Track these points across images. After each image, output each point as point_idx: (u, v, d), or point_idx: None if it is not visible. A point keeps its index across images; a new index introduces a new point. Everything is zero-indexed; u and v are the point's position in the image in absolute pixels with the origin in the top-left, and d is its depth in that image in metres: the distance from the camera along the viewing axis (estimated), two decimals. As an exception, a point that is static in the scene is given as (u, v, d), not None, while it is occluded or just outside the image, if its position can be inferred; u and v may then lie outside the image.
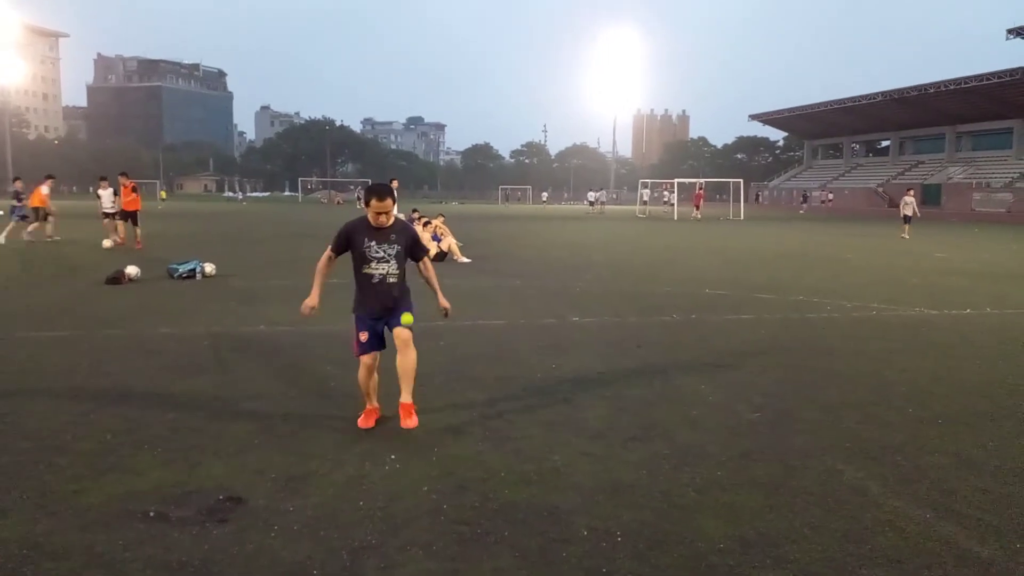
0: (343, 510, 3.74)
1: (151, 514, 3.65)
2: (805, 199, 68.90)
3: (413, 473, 4.23)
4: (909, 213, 26.92)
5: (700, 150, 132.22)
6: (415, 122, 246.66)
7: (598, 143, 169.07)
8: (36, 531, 3.46)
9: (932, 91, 65.69)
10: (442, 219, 17.93)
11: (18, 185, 21.68)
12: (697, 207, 45.50)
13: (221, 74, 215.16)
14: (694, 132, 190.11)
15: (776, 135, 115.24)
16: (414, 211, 19.59)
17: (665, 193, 61.75)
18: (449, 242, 16.78)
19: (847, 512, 3.79)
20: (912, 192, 28.18)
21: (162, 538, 3.41)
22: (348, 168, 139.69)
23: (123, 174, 20.02)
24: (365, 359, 4.97)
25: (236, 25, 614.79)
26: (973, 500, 3.97)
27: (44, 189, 20.60)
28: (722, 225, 37.19)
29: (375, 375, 5.05)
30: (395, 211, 5.15)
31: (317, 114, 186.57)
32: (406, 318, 4.94)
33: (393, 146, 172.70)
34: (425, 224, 16.94)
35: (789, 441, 4.87)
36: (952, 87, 63.33)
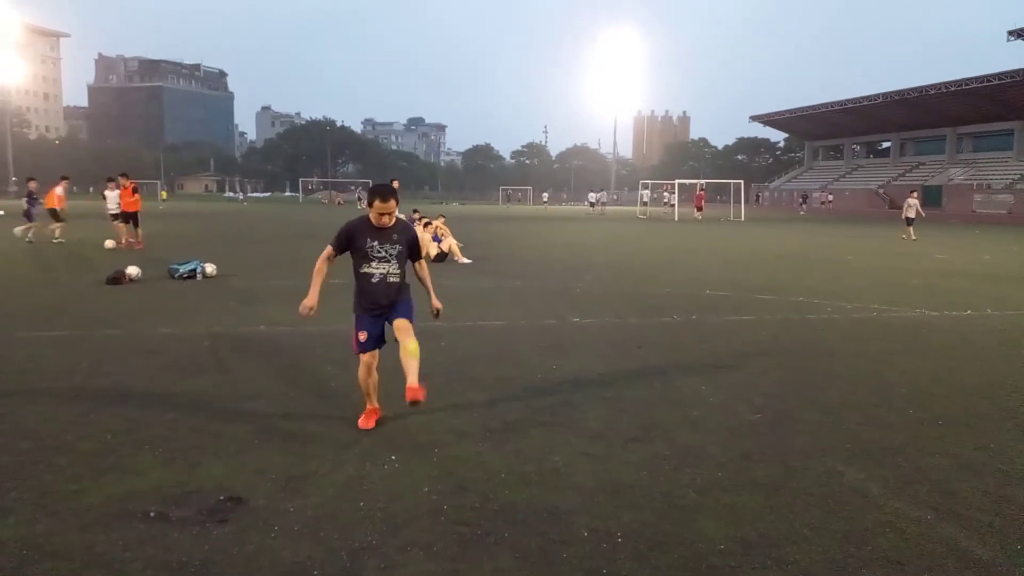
0: (343, 510, 3.74)
1: (151, 514, 3.64)
2: (804, 200, 68.89)
3: (413, 473, 4.23)
4: (912, 215, 26.69)
5: (701, 151, 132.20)
6: (416, 123, 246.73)
7: (599, 144, 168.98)
8: (36, 531, 3.46)
9: (933, 92, 65.67)
10: (443, 220, 17.94)
11: (32, 186, 21.73)
12: (699, 208, 45.52)
13: (222, 74, 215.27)
14: (695, 133, 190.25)
15: (777, 136, 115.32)
16: (415, 211, 19.59)
17: (665, 194, 61.75)
18: (450, 243, 16.78)
19: (848, 513, 3.79)
20: (915, 194, 27.91)
21: (162, 538, 3.41)
22: (349, 169, 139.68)
23: (123, 175, 20.01)
24: (365, 357, 4.97)
25: (237, 25, 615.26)
26: (974, 501, 3.96)
27: (59, 190, 20.66)
28: (723, 226, 37.19)
29: (375, 374, 5.05)
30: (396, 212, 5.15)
31: (318, 114, 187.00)
32: (413, 346, 4.78)
33: (394, 147, 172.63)
34: (426, 225, 16.94)
35: (790, 442, 4.87)
36: (953, 88, 63.31)
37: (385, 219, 4.85)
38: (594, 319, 9.43)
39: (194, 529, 3.50)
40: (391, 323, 4.93)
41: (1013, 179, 60.85)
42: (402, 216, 5.24)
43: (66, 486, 3.97)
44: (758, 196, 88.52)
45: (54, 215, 20.42)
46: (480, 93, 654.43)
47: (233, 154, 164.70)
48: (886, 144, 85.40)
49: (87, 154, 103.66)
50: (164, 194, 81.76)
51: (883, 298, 11.55)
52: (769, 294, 11.85)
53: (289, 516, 3.66)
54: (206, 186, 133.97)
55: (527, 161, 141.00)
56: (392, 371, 5.38)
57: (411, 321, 4.92)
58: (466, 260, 16.41)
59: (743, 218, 45.41)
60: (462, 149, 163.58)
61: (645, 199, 56.84)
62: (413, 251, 5.08)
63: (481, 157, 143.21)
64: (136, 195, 19.25)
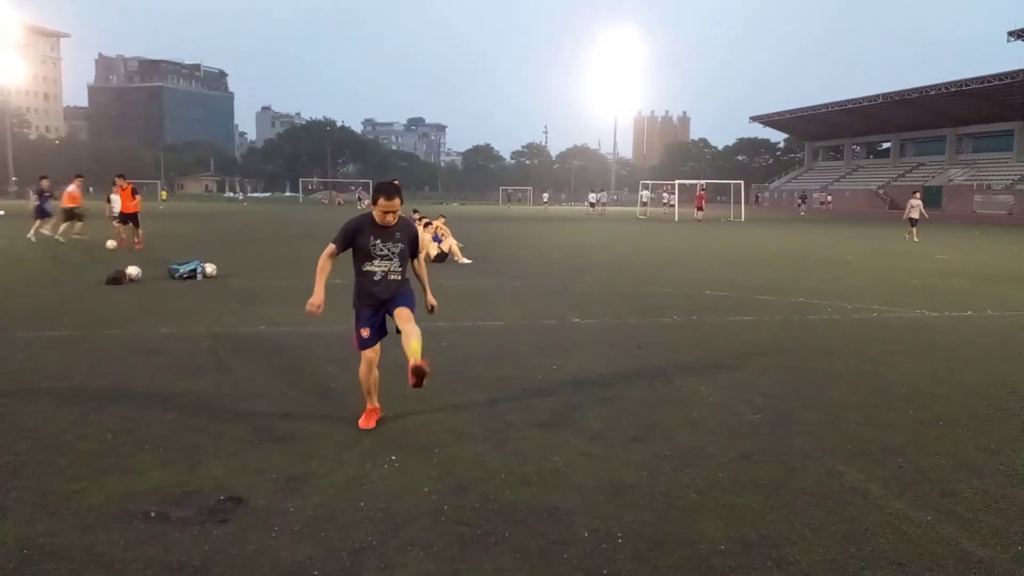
0: (343, 510, 3.74)
1: (151, 514, 3.64)
2: (804, 200, 68.91)
3: (413, 474, 4.22)
4: (916, 216, 26.52)
5: (701, 151, 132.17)
6: (416, 123, 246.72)
7: (599, 144, 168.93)
8: (36, 531, 3.46)
9: (933, 93, 65.65)
10: (443, 220, 17.94)
11: (45, 184, 21.76)
12: (699, 208, 45.53)
13: (222, 74, 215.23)
14: (695, 133, 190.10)
15: (777, 137, 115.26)
16: (415, 211, 19.59)
17: (664, 195, 61.74)
18: (450, 243, 16.78)
19: (848, 514, 3.79)
20: (919, 194, 27.71)
21: (162, 538, 3.40)
22: (349, 169, 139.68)
23: (119, 176, 19.92)
24: (367, 353, 4.97)
25: (237, 26, 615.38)
26: (975, 502, 3.96)
27: (72, 189, 20.64)
28: (723, 227, 37.20)
29: (375, 371, 5.04)
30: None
31: (318, 115, 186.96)
32: (416, 345, 4.66)
33: (394, 147, 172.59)
34: (426, 225, 16.93)
35: (790, 442, 4.87)
36: (953, 89, 63.28)
37: (389, 217, 4.86)
38: (594, 319, 9.43)
39: (194, 529, 3.50)
40: (391, 314, 4.91)
41: (1013, 180, 60.84)
42: (403, 215, 5.23)
43: (66, 486, 3.97)
44: (757, 197, 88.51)
45: (70, 214, 20.42)
46: (480, 93, 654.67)
47: (233, 154, 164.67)
48: (886, 145, 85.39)
49: (87, 154, 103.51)
50: (164, 194, 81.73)
51: (883, 298, 11.55)
52: (769, 294, 11.85)
53: (289, 516, 3.66)
54: (206, 186, 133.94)
55: (527, 161, 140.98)
56: (392, 371, 5.39)
57: (412, 310, 4.89)
58: (466, 260, 16.41)
59: (743, 218, 45.41)
60: (462, 149, 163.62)
61: (645, 199, 56.84)
62: (414, 249, 5.10)
63: (481, 157, 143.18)
64: (136, 197, 19.19)
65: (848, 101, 76.07)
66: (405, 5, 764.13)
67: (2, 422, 5.00)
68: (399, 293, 4.96)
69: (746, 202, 53.78)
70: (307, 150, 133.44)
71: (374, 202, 4.87)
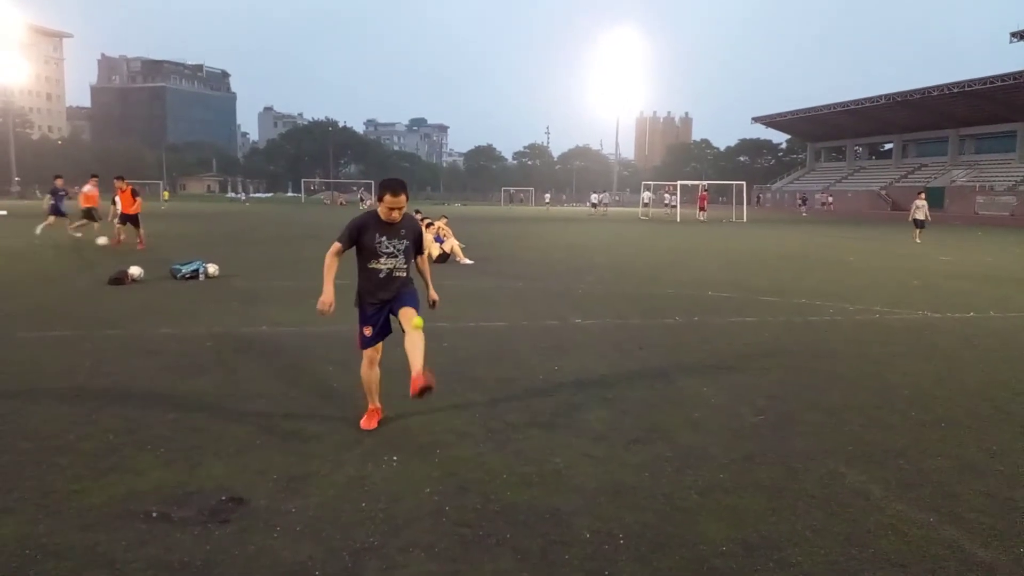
0: (344, 511, 3.74)
1: (153, 514, 3.64)
2: (804, 201, 68.90)
3: (414, 474, 4.22)
4: (921, 217, 26.34)
5: (703, 152, 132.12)
6: (418, 123, 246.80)
7: (601, 145, 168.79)
8: (38, 531, 3.46)
9: (935, 94, 65.59)
10: (445, 220, 17.94)
11: (59, 183, 21.79)
12: (702, 209, 45.54)
13: (224, 75, 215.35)
14: (697, 134, 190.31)
15: (779, 137, 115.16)
16: (416, 212, 19.58)
17: (666, 195, 61.74)
18: (452, 243, 16.78)
19: (850, 515, 3.78)
20: (924, 195, 27.52)
21: (164, 538, 3.41)
22: (351, 169, 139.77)
23: (118, 177, 19.81)
24: (368, 352, 4.98)
25: (240, 26, 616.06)
26: (976, 504, 3.96)
27: (88, 189, 20.71)
28: (724, 227, 37.18)
29: (377, 370, 5.04)
30: None
31: (320, 115, 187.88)
32: (417, 321, 4.80)
33: (396, 147, 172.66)
34: (428, 225, 16.94)
35: (791, 444, 4.86)
36: (956, 90, 63.22)
37: (395, 214, 4.85)
38: (596, 320, 9.42)
39: (195, 529, 3.50)
40: (395, 313, 4.92)
41: (1016, 181, 60.75)
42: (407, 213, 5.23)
43: (68, 486, 3.97)
44: (758, 198, 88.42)
45: (89, 215, 20.48)
46: (482, 94, 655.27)
47: (235, 154, 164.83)
48: (888, 145, 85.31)
49: (90, 154, 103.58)
50: (166, 194, 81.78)
51: (885, 300, 11.53)
52: (771, 295, 11.84)
53: (290, 516, 3.66)
54: (208, 186, 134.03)
55: (529, 162, 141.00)
56: (394, 372, 5.38)
57: (416, 310, 4.88)
58: (468, 261, 16.41)
59: (745, 219, 45.38)
60: (464, 150, 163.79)
61: (647, 200, 56.82)
62: (418, 245, 5.11)
63: (483, 158, 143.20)
64: (136, 199, 19.09)
65: (850, 102, 76.04)
66: (407, 6, 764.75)
67: (4, 422, 5.01)
68: (403, 292, 4.96)
69: (747, 203, 53.71)
70: (309, 150, 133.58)
71: (380, 198, 4.86)
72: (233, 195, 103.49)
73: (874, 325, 9.45)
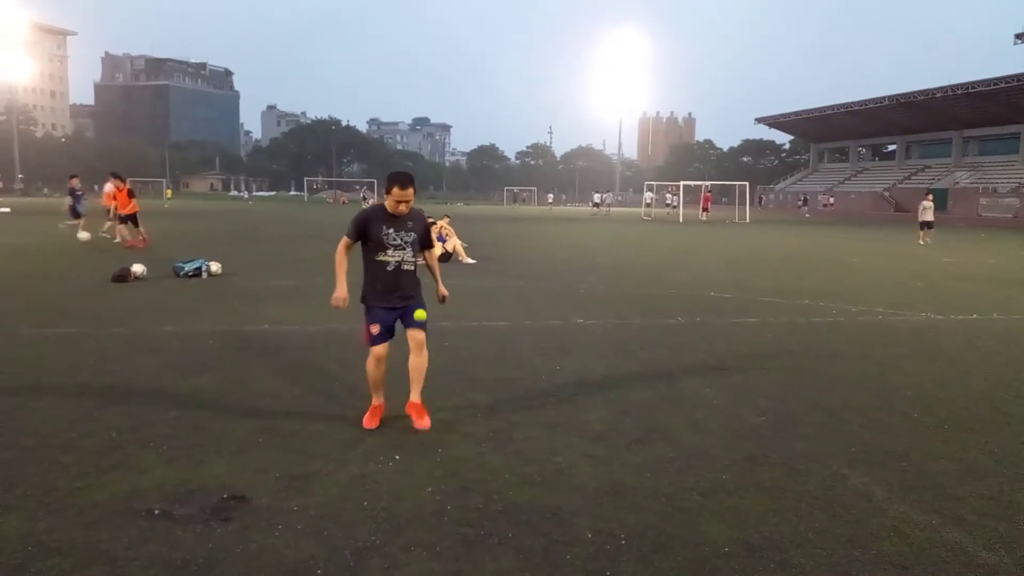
0: (346, 510, 3.74)
1: (155, 512, 3.65)
2: (805, 202, 68.79)
3: (416, 473, 4.22)
4: (929, 218, 26.20)
5: (706, 153, 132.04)
6: (421, 123, 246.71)
7: (603, 145, 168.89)
8: (40, 528, 3.47)
9: (939, 95, 65.43)
10: (447, 220, 17.94)
11: (75, 183, 21.83)
12: (705, 209, 45.51)
13: (228, 73, 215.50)
14: (700, 135, 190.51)
15: (782, 138, 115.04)
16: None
17: (668, 195, 61.69)
18: (454, 243, 16.78)
19: (852, 517, 3.78)
20: (931, 196, 27.35)
21: (166, 536, 3.41)
22: (354, 168, 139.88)
23: (117, 176, 19.77)
24: (376, 350, 4.94)
25: (243, 25, 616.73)
26: (979, 507, 3.95)
27: (109, 187, 20.77)
28: (727, 228, 37.15)
29: (383, 366, 5.01)
30: None
31: (323, 114, 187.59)
32: (419, 314, 4.96)
33: (399, 146, 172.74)
34: (431, 224, 16.92)
35: (793, 445, 4.86)
36: (959, 91, 63.06)
37: (402, 207, 4.86)
38: (598, 320, 9.42)
39: (198, 527, 3.50)
40: (406, 326, 4.96)
41: (1019, 183, 60.61)
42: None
43: (70, 483, 3.98)
44: (760, 199, 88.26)
45: (113, 213, 20.56)
46: (485, 94, 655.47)
47: (238, 153, 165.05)
48: (892, 147, 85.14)
49: (93, 152, 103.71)
50: (169, 192, 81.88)
51: (888, 301, 11.52)
52: (773, 296, 11.83)
53: (292, 515, 3.66)
54: (211, 185, 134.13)
55: (532, 162, 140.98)
56: (395, 372, 5.38)
57: (424, 329, 5.00)
58: (470, 260, 16.41)
59: (748, 220, 45.35)
60: (467, 149, 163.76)
61: (649, 200, 56.79)
62: (425, 239, 5.12)
63: (486, 157, 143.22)
64: (132, 199, 19.01)
65: (854, 103, 75.89)
66: (411, 5, 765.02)
67: (7, 419, 5.02)
68: (413, 303, 4.96)
69: (749, 204, 53.65)
70: (312, 149, 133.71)
71: (387, 191, 4.87)
72: (236, 193, 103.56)
73: (876, 326, 9.43)
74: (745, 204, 48.63)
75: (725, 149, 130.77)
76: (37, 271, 13.54)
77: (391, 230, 4.87)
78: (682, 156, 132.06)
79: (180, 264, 12.85)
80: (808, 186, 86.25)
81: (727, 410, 5.60)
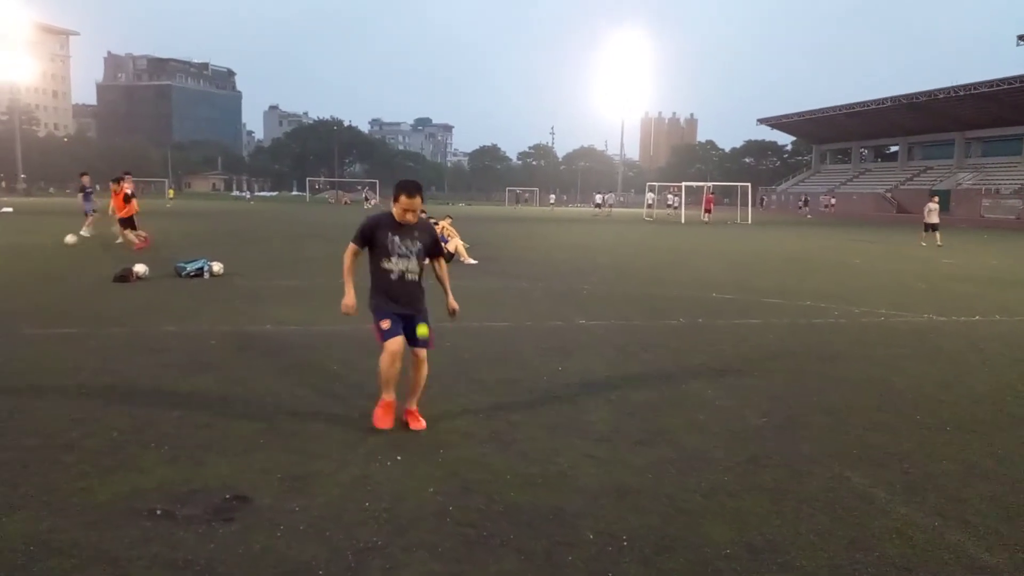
0: (348, 510, 3.74)
1: (157, 512, 3.65)
2: (806, 203, 68.73)
3: (418, 474, 4.22)
4: (935, 220, 26.24)
5: (708, 154, 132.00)
6: (423, 123, 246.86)
7: (606, 145, 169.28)
8: (42, 528, 3.47)
9: (941, 96, 65.36)
10: (449, 220, 17.94)
11: (86, 180, 21.88)
12: (707, 210, 45.48)
13: (230, 73, 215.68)
14: (702, 135, 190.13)
15: (784, 139, 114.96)
16: (422, 212, 19.59)
17: (669, 196, 61.64)
18: (456, 243, 16.78)
19: (854, 519, 3.77)
20: (937, 199, 27.30)
21: (168, 536, 3.41)
22: (356, 168, 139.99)
23: (114, 180, 19.57)
24: (391, 345, 4.84)
25: (245, 26, 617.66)
26: (982, 508, 3.94)
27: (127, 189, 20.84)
28: (729, 229, 37.13)
29: (399, 363, 4.88)
30: None
31: (325, 114, 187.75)
32: (422, 331, 4.95)
33: (401, 147, 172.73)
34: (432, 225, 16.93)
35: (796, 447, 4.85)
36: (962, 92, 62.99)
37: (409, 216, 4.87)
38: (600, 321, 9.41)
39: (200, 528, 3.50)
40: (409, 343, 4.94)
41: (1022, 184, 60.54)
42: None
43: (72, 483, 3.98)
44: (762, 199, 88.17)
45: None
46: (487, 94, 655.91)
47: (241, 153, 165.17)
48: (894, 148, 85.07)
49: (95, 152, 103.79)
50: (171, 192, 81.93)
51: (890, 302, 11.50)
52: (776, 297, 11.82)
53: (294, 516, 3.66)
54: (213, 185, 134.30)
55: (534, 162, 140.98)
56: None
57: (427, 324, 5.01)
58: (472, 261, 16.41)
59: (750, 221, 45.32)
60: (469, 150, 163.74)
61: (651, 201, 56.77)
62: (433, 249, 5.10)
63: (488, 158, 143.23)
64: (127, 204, 18.92)
65: (856, 104, 75.82)
66: (413, 7, 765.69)
67: (9, 419, 5.02)
68: (417, 318, 4.97)
69: (751, 204, 53.60)
70: (314, 149, 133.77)
71: (395, 199, 4.88)
72: (238, 193, 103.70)
73: (879, 328, 9.42)
74: (747, 205, 48.58)
75: (727, 150, 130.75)
76: (39, 271, 13.56)
77: (396, 238, 4.87)
78: (684, 157, 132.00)
79: (182, 264, 12.86)
80: (810, 187, 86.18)
81: (729, 411, 5.59)
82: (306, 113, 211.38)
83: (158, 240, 19.64)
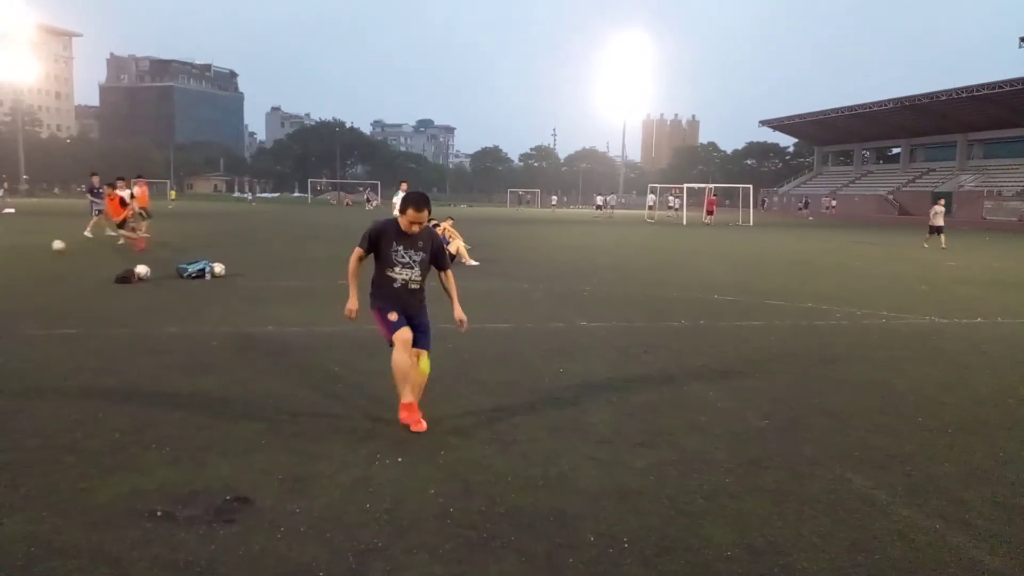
0: (349, 512, 3.74)
1: (158, 513, 3.65)
2: (806, 205, 68.66)
3: (419, 476, 4.22)
4: (940, 223, 26.29)
5: (710, 155, 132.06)
6: (424, 124, 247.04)
7: (607, 147, 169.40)
8: (43, 529, 3.47)
9: (944, 98, 65.35)
10: (451, 222, 17.95)
11: (95, 180, 21.98)
12: (710, 212, 45.47)
13: (232, 75, 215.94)
14: (704, 137, 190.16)
15: (786, 141, 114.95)
16: (430, 221, 19.58)
17: (670, 198, 61.66)
18: (457, 245, 16.78)
19: (856, 521, 3.77)
20: (943, 202, 27.34)
21: (169, 538, 3.41)
22: (358, 170, 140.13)
23: (110, 185, 19.57)
24: (399, 335, 4.84)
25: (247, 27, 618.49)
26: (984, 510, 3.93)
27: (136, 189, 21.04)
28: (730, 231, 37.12)
29: (410, 352, 4.88)
30: None
31: (327, 116, 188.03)
32: (424, 364, 5.00)
33: (402, 148, 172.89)
34: (434, 227, 16.94)
35: (798, 449, 4.84)
36: (964, 94, 62.97)
37: (415, 227, 4.90)
38: (601, 323, 9.41)
39: (201, 529, 3.50)
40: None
41: (1024, 186, 60.50)
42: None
43: (73, 484, 3.98)
44: (763, 201, 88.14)
45: (144, 213, 20.89)
46: (488, 96, 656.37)
47: (243, 154, 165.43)
48: (896, 150, 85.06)
49: (98, 153, 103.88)
50: (173, 194, 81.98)
51: (892, 304, 11.49)
52: (777, 299, 11.81)
53: (295, 517, 3.66)
54: (215, 186, 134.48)
55: (535, 164, 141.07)
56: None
57: (429, 349, 5.07)
58: (473, 262, 16.41)
59: (751, 223, 45.30)
60: (470, 151, 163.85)
61: (652, 203, 56.79)
62: (439, 259, 5.12)
63: (489, 159, 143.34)
64: (124, 208, 18.89)
65: (858, 106, 75.82)
66: (415, 8, 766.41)
67: (10, 419, 5.02)
68: (419, 321, 4.97)
69: (752, 206, 53.58)
70: (316, 151, 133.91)
71: (402, 211, 4.89)
72: (240, 195, 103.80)
73: (881, 330, 9.41)
74: (749, 207, 48.57)
75: (729, 152, 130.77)
76: (41, 272, 13.58)
77: (400, 247, 4.91)
78: (686, 158, 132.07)
79: (184, 265, 12.87)
80: (812, 189, 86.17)
81: (731, 413, 5.59)
82: (308, 114, 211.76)
83: (159, 241, 19.66)
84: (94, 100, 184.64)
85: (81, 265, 14.75)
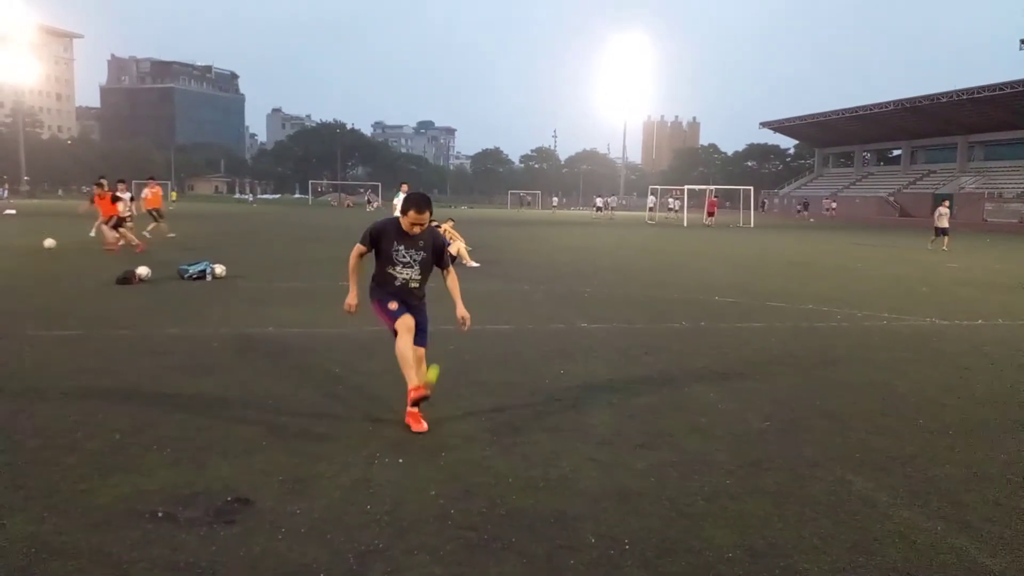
0: (350, 513, 3.73)
1: (159, 514, 3.65)
2: (805, 207, 68.64)
3: (420, 477, 4.22)
4: (945, 224, 26.41)
5: (710, 157, 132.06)
6: (425, 126, 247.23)
7: (608, 149, 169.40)
8: (43, 530, 3.47)
9: (944, 100, 65.36)
10: (451, 223, 17.95)
11: (103, 183, 22.09)
12: (711, 214, 45.47)
13: (233, 76, 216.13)
14: (704, 139, 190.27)
15: (787, 143, 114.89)
16: (432, 222, 19.58)
17: (670, 200, 61.70)
18: (458, 246, 16.78)
19: (857, 523, 3.76)
20: (947, 203, 27.51)
21: (169, 539, 3.41)
22: (358, 171, 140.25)
23: (97, 183, 19.48)
24: (402, 322, 4.87)
25: (248, 28, 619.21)
26: (985, 512, 3.93)
27: (146, 191, 21.21)
28: (731, 232, 37.12)
29: (413, 334, 4.90)
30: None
31: (328, 117, 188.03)
32: (432, 374, 5.07)
33: (403, 150, 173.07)
34: (435, 227, 16.92)
35: (798, 450, 4.84)
36: (964, 96, 62.98)
37: (416, 228, 4.92)
38: (602, 324, 9.41)
39: (201, 530, 3.50)
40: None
41: (1025, 188, 60.48)
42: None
43: (74, 485, 3.98)
44: (763, 203, 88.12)
45: (156, 215, 21.36)
46: (489, 98, 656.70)
47: (243, 156, 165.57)
48: (897, 152, 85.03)
49: (99, 154, 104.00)
50: (174, 195, 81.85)
51: (893, 306, 11.49)
52: (778, 301, 11.81)
53: (296, 518, 3.65)
54: (216, 187, 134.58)
55: (536, 165, 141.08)
56: (397, 375, 5.37)
57: (425, 346, 5.13)
58: (474, 263, 16.40)
59: (752, 224, 45.30)
60: (471, 153, 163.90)
61: (652, 204, 56.81)
62: (440, 259, 5.13)
63: (490, 161, 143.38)
64: (114, 204, 18.85)
65: (859, 108, 75.85)
66: (416, 10, 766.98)
67: (11, 420, 5.02)
68: (418, 320, 4.99)
69: (753, 208, 53.58)
70: (317, 152, 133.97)
71: (404, 212, 4.92)
72: (240, 196, 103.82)
73: (881, 331, 9.41)
74: (749, 208, 48.56)
75: (730, 153, 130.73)
76: (41, 273, 13.58)
77: (402, 247, 4.93)
78: (686, 160, 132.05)
79: (184, 267, 12.88)
80: (813, 191, 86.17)
81: (732, 415, 5.59)
82: (309, 116, 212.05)
83: (159, 241, 19.67)
84: (95, 101, 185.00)
85: (82, 266, 14.75)
